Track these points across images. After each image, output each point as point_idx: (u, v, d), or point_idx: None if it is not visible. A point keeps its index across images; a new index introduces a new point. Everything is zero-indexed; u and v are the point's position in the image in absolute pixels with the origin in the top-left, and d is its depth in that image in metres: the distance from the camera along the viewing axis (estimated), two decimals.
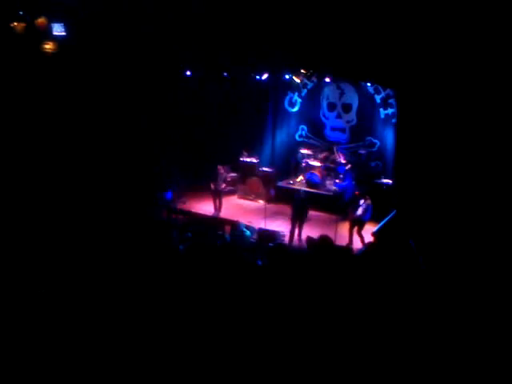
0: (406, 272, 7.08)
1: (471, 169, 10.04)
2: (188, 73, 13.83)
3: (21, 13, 11.09)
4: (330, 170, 14.56)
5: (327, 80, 14.29)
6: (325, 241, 8.91)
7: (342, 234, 12.04)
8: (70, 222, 9.54)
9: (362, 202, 12.02)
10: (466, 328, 5.38)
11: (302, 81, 14.49)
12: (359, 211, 11.95)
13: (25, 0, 11.11)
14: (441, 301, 5.94)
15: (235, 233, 11.10)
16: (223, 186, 13.74)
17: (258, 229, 12.00)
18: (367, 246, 11.12)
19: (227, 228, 11.99)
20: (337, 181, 14.30)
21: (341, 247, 10.75)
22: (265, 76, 13.99)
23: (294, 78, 14.16)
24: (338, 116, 15.24)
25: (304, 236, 11.56)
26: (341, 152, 14.82)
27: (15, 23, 11.07)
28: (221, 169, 13.73)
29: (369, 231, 11.94)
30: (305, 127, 15.88)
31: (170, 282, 6.46)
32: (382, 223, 11.90)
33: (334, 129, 15.41)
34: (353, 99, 14.98)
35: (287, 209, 13.48)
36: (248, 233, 11.04)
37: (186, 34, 12.16)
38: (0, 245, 7.72)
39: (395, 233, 10.83)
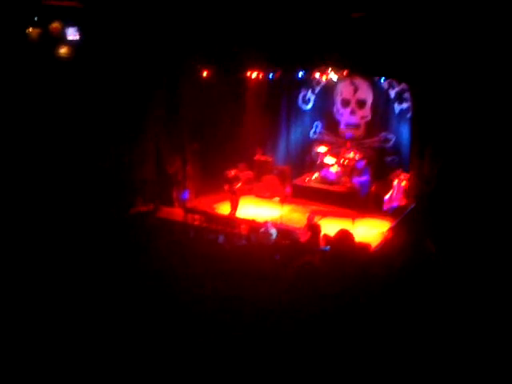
0: (422, 267, 7.04)
1: (488, 162, 9.94)
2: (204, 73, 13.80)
3: (36, 19, 11.23)
4: (346, 166, 14.51)
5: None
6: (343, 234, 8.91)
7: (358, 230, 12.00)
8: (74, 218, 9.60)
9: (395, 183, 12.18)
10: (482, 324, 5.32)
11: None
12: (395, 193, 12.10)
13: (39, 6, 11.25)
14: (457, 296, 5.89)
15: (262, 231, 11.22)
16: (239, 185, 13.74)
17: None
18: (385, 241, 11.07)
19: (244, 227, 12.03)
20: (354, 176, 14.24)
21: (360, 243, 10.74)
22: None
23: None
24: (353, 112, 15.16)
25: None
26: (355, 148, 14.74)
27: (30, 29, 11.21)
28: (231, 172, 13.71)
29: (386, 227, 11.92)
30: (319, 124, 15.83)
31: (185, 279, 6.51)
32: (399, 219, 11.86)
33: (348, 125, 15.33)
34: (367, 95, 14.90)
35: (303, 206, 13.56)
36: (274, 232, 11.17)
37: (199, 34, 12.21)
38: None
39: (413, 228, 10.77)
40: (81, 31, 11.55)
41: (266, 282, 6.64)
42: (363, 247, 10.35)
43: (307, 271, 7.09)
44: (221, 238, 11.39)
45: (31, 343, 5.20)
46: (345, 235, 9.72)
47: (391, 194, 12.93)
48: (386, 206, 12.56)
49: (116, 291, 6.34)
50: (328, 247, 10.02)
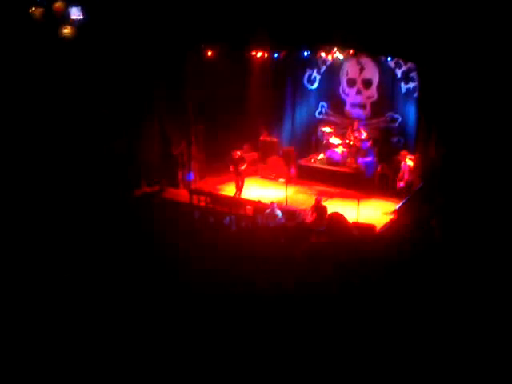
0: (427, 249, 7.04)
1: (495, 142, 9.86)
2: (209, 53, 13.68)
3: None
4: (351, 146, 14.44)
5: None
6: (334, 218, 8.89)
7: (364, 211, 11.99)
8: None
9: (403, 164, 12.21)
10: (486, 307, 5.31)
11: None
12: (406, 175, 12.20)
13: None
14: (461, 281, 5.87)
15: (267, 212, 11.27)
16: (244, 166, 13.71)
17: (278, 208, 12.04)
18: (389, 223, 11.07)
19: (249, 208, 12.05)
20: (359, 157, 14.18)
21: (361, 224, 10.74)
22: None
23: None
24: (358, 92, 15.02)
25: None
26: (362, 128, 14.65)
27: (33, 8, 11.11)
28: (236, 153, 13.69)
29: (392, 208, 11.90)
30: (325, 104, 15.71)
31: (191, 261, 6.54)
32: (405, 200, 11.83)
33: (354, 105, 15.20)
34: (373, 74, 14.74)
35: (308, 187, 13.55)
36: (279, 213, 11.20)
37: (204, 13, 12.06)
38: None
39: (418, 209, 10.75)
40: (84, 11, 11.44)
41: (272, 264, 6.67)
42: (368, 228, 10.37)
43: (312, 253, 7.12)
44: (227, 220, 11.42)
45: (40, 315, 5.28)
46: (336, 218, 9.68)
47: (400, 176, 12.91)
48: (397, 187, 12.78)
49: (122, 271, 6.39)
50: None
